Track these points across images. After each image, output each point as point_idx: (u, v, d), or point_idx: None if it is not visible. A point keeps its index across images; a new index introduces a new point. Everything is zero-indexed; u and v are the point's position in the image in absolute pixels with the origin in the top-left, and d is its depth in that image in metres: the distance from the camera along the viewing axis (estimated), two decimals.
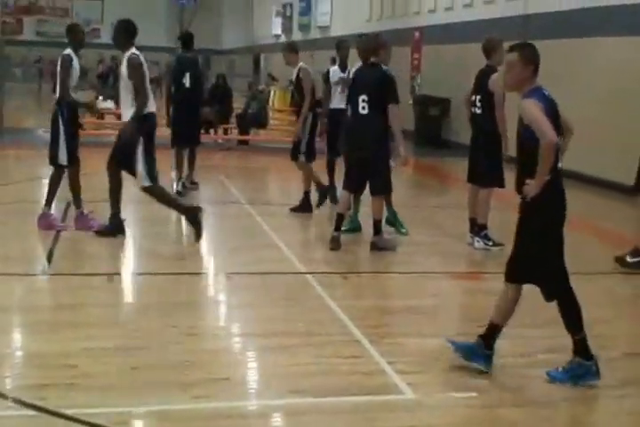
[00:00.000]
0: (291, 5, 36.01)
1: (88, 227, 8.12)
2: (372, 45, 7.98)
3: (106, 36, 55.70)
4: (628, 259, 7.63)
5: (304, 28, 33.52)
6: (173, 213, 8.52)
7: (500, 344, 4.97)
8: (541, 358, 5.17)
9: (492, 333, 4.91)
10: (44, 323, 5.45)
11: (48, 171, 8.49)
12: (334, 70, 10.10)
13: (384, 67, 8.06)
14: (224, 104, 17.32)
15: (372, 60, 7.85)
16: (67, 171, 8.28)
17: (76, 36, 8.39)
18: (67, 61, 8.07)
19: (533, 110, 4.51)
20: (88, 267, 7.15)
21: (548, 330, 5.41)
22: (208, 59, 23.13)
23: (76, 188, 8.33)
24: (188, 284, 6.72)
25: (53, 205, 8.35)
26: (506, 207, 7.42)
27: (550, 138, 4.42)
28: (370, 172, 7.74)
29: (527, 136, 4.56)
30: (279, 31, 37.87)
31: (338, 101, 9.68)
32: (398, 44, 22.13)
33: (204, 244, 8.04)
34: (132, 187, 8.23)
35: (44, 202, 8.26)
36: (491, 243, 7.90)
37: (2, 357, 4.80)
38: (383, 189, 7.91)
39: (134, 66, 7.78)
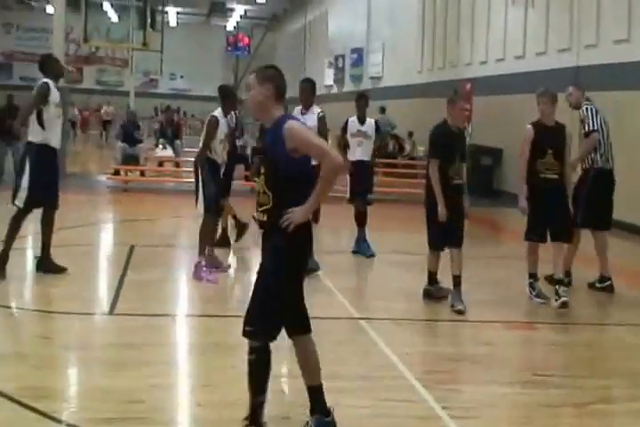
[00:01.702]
0: (343, 57, 36.61)
1: (199, 277, 8.27)
2: None
3: (163, 87, 57.43)
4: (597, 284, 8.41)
5: (356, 78, 34.03)
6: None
7: (556, 394, 5.03)
8: (597, 408, 5.20)
9: None
10: (112, 360, 5.69)
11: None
12: (352, 121, 10.35)
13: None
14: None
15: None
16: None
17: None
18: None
19: (305, 133, 4.29)
20: (152, 308, 7.37)
21: (605, 381, 5.46)
22: None
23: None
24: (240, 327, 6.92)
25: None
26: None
27: (338, 160, 4.21)
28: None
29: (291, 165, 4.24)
30: (331, 82, 38.47)
31: (358, 153, 10.08)
32: (449, 94, 22.43)
33: None
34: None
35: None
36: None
37: (72, 392, 5.03)
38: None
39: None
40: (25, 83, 47.30)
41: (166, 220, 12.46)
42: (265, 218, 4.31)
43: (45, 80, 7.76)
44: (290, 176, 4.22)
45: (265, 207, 4.28)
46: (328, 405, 4.45)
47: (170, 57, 43.03)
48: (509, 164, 18.38)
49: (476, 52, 21.19)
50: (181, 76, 58.05)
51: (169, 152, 20.65)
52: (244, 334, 4.34)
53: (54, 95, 7.73)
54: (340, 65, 36.95)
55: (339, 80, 37.17)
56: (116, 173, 18.08)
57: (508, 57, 19.29)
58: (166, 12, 43.04)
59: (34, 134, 7.68)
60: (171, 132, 21.27)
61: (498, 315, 7.55)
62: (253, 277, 4.45)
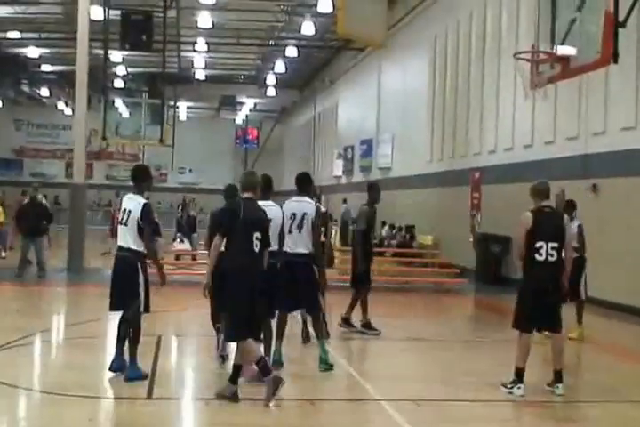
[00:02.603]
0: (352, 148, 37.38)
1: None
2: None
3: (172, 181, 58.41)
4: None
5: (365, 169, 34.69)
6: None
7: None
8: None
9: None
10: None
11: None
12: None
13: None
14: None
15: None
16: None
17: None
18: None
19: None
20: (187, 393, 7.85)
21: None
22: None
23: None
24: (273, 409, 7.36)
25: None
26: None
27: None
28: None
29: None
30: (340, 173, 39.21)
31: None
32: (458, 183, 23.14)
33: (288, 370, 8.73)
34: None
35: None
36: None
37: None
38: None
39: None
40: (35, 179, 48.34)
41: (187, 310, 12.99)
42: None
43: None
44: None
45: None
46: None
47: (179, 150, 44.12)
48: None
49: (484, 142, 21.78)
50: (190, 170, 58.85)
51: (186, 245, 21.26)
52: None
53: None
54: (350, 156, 37.69)
55: (347, 171, 37.88)
56: None
57: (516, 146, 19.78)
58: (177, 107, 44.37)
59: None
60: (187, 226, 21.90)
61: (510, 395, 7.94)
62: None
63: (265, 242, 7.47)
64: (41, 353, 9.90)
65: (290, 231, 8.61)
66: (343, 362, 9.12)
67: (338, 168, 39.54)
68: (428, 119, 26.57)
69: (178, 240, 21.43)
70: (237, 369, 7.35)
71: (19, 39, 35.72)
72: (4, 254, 21.57)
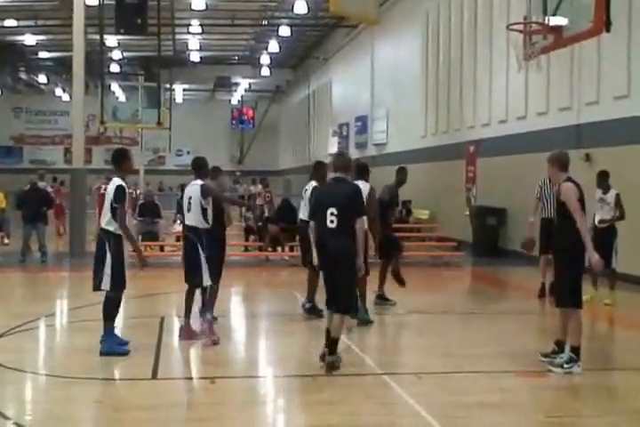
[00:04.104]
0: (347, 125, 37.49)
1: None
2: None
3: (170, 163, 58.41)
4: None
5: (361, 145, 34.79)
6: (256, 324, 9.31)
7: None
8: None
9: None
10: (159, 419, 6.32)
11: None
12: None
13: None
14: (290, 223, 18.30)
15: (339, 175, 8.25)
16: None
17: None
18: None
19: None
20: (192, 371, 8.07)
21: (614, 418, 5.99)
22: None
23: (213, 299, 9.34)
24: (278, 385, 7.62)
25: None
26: None
27: None
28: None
29: None
30: (335, 150, 39.21)
31: None
32: (453, 157, 23.22)
33: (288, 348, 8.90)
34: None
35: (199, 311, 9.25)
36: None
37: None
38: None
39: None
40: (34, 166, 48.31)
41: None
42: None
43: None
44: None
45: None
46: None
47: (177, 133, 43.96)
48: (514, 223, 18.90)
49: (478, 115, 21.87)
50: (188, 152, 58.79)
51: None
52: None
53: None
54: (345, 133, 37.79)
55: (343, 148, 37.86)
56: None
57: (510, 118, 19.87)
58: (173, 90, 44.31)
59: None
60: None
61: (509, 365, 8.13)
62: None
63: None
64: (46, 337, 10.03)
65: None
66: (343, 336, 9.22)
67: (333, 146, 39.59)
68: (421, 94, 26.60)
69: (178, 222, 21.45)
70: (335, 342, 7.76)
71: (15, 27, 35.57)
72: (6, 241, 21.71)
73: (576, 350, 7.80)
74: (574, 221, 7.78)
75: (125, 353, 8.34)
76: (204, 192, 9.11)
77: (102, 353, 8.25)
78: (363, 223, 8.09)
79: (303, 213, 10.58)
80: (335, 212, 7.71)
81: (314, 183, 10.57)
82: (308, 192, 10.50)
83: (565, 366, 7.77)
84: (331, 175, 8.37)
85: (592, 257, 7.84)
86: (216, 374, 7.70)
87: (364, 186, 9.60)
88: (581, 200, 7.89)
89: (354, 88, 37.04)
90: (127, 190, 8.38)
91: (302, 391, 7.33)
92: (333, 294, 7.83)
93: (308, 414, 6.64)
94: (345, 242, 7.71)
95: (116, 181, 8.41)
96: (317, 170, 10.84)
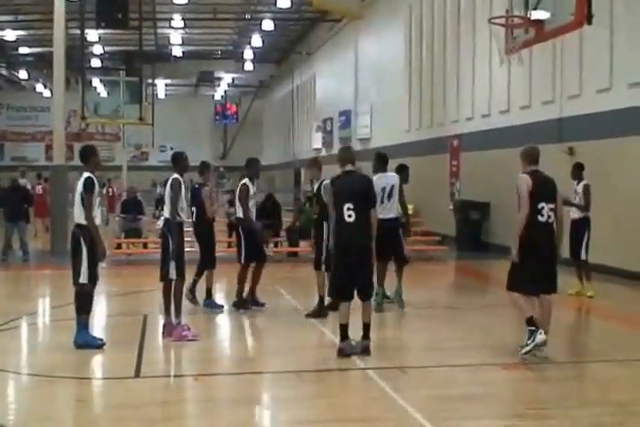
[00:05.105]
0: (331, 120, 37.41)
1: (181, 337, 8.93)
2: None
3: (153, 159, 58.18)
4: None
5: (345, 140, 34.64)
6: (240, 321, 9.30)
7: (548, 424, 5.58)
8: None
9: None
10: (142, 417, 6.26)
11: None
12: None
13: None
14: (274, 219, 18.24)
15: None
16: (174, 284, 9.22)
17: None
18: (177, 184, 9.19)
19: None
20: (175, 369, 8.02)
21: (594, 410, 6.00)
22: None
23: (179, 299, 9.26)
24: (259, 382, 7.61)
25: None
26: None
27: None
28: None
29: None
30: (319, 145, 39.23)
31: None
32: (437, 151, 23.24)
33: (271, 345, 8.89)
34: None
35: (173, 314, 9.14)
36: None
37: None
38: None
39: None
40: (16, 163, 47.93)
41: None
42: None
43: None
44: None
45: None
46: None
47: (159, 128, 43.82)
48: (497, 217, 18.95)
49: (462, 109, 21.90)
50: (171, 148, 58.34)
51: None
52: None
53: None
54: (329, 128, 37.71)
55: (327, 143, 37.91)
56: (119, 246, 18.70)
57: (493, 112, 19.94)
58: (155, 85, 44.20)
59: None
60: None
61: (492, 357, 8.15)
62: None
63: None
64: (28, 336, 9.99)
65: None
66: (327, 332, 9.24)
67: (317, 141, 39.55)
68: (405, 88, 26.60)
69: (161, 218, 21.33)
70: (367, 327, 8.24)
71: None
72: None
73: (528, 321, 7.91)
74: (527, 212, 7.99)
75: (100, 346, 8.45)
76: (171, 187, 9.24)
77: (79, 345, 8.37)
78: (376, 213, 8.47)
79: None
80: (352, 206, 8.07)
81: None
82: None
83: (528, 341, 7.87)
84: (344, 168, 8.48)
85: (513, 251, 8.09)
86: (200, 372, 7.67)
87: (393, 177, 11.04)
88: (535, 192, 8.02)
89: (337, 83, 36.98)
90: (96, 183, 8.57)
91: (286, 387, 7.30)
92: (362, 284, 8.19)
93: (292, 409, 6.61)
94: (365, 234, 8.12)
95: (85, 174, 8.62)
96: (249, 166, 11.14)
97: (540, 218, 8.05)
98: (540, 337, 7.81)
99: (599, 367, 8.07)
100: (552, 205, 8.11)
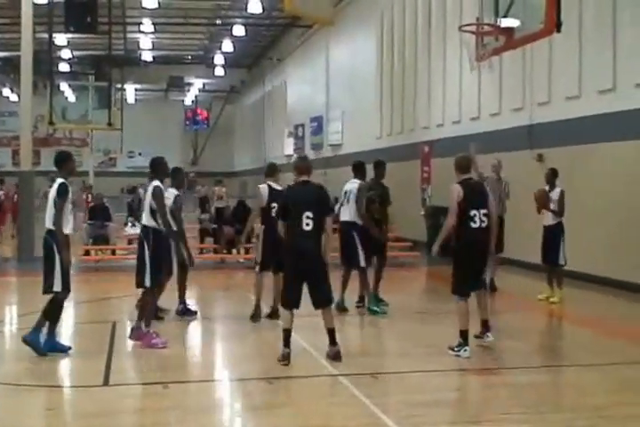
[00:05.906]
0: (302, 126, 37.41)
1: (150, 344, 8.87)
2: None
3: (121, 165, 57.75)
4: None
5: (316, 146, 34.74)
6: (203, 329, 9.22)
7: None
8: None
9: None
10: (111, 426, 6.23)
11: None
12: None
13: None
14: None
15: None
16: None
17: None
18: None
19: None
20: (145, 377, 7.93)
21: (566, 415, 6.02)
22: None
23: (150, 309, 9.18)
24: (232, 389, 7.54)
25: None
26: None
27: None
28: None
29: None
30: (291, 151, 39.16)
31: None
32: (408, 158, 23.27)
33: (245, 352, 8.83)
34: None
35: (143, 322, 9.03)
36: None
37: None
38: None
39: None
40: None
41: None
42: None
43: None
44: None
45: None
46: None
47: (128, 134, 43.48)
48: None
49: (432, 116, 21.98)
50: (140, 154, 57.90)
51: (137, 230, 20.99)
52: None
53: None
54: (301, 134, 37.70)
55: (298, 149, 37.83)
56: (87, 253, 18.50)
57: (463, 119, 20.03)
58: (124, 89, 43.98)
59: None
60: (138, 210, 21.65)
61: (464, 363, 8.16)
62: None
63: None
64: None
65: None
66: (298, 338, 9.17)
67: (289, 147, 39.51)
68: (376, 95, 26.65)
69: (130, 224, 21.22)
70: (333, 332, 8.25)
71: None
72: None
73: (461, 333, 8.45)
74: (460, 221, 8.64)
75: (66, 350, 8.51)
76: (153, 196, 9.10)
77: (47, 350, 8.35)
78: (331, 222, 8.60)
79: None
80: (310, 215, 8.11)
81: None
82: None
83: (455, 349, 8.36)
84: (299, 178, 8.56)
85: (434, 247, 9.08)
86: (170, 379, 7.59)
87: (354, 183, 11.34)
88: (467, 200, 8.63)
89: (309, 89, 36.99)
90: (70, 189, 8.49)
91: (256, 394, 7.25)
92: (317, 292, 8.18)
93: (261, 417, 6.56)
94: (319, 243, 8.22)
95: (59, 180, 8.54)
96: (175, 176, 10.93)
97: (472, 224, 8.65)
98: (465, 354, 8.30)
99: (572, 372, 8.12)
100: (485, 211, 8.65)
